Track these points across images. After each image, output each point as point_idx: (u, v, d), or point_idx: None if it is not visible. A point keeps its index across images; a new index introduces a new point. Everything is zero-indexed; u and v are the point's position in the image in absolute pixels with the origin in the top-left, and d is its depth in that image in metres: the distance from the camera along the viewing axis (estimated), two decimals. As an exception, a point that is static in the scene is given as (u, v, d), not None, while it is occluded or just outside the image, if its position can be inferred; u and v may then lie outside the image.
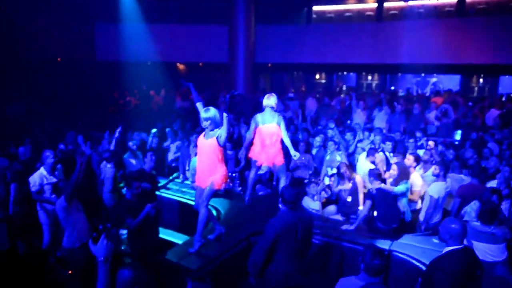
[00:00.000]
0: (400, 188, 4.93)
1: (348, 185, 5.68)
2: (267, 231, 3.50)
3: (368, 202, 4.97)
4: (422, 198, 5.44)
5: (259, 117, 5.13)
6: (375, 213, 5.09)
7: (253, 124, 5.18)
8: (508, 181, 5.14)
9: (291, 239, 3.48)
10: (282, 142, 5.23)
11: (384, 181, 5.23)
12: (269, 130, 5.08)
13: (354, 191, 5.65)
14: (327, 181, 6.56)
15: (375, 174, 5.07)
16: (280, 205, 3.62)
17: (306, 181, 6.48)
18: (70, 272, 3.87)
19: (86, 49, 14.91)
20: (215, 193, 4.37)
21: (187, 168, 7.54)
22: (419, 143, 7.34)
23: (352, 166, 6.56)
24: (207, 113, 4.13)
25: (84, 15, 13.82)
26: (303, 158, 7.27)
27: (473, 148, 6.97)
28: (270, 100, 5.10)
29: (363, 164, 6.40)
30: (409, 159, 5.80)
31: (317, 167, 7.22)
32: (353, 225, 4.99)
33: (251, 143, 5.33)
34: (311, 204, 5.85)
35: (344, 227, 5.04)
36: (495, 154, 6.67)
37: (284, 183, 5.23)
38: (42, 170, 5.21)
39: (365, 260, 2.85)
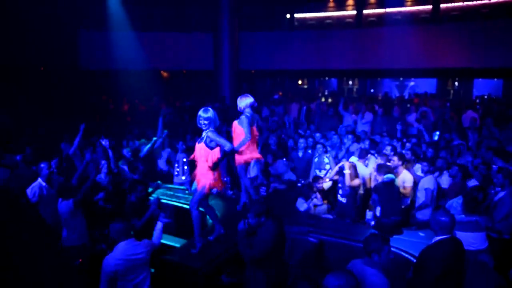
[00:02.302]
0: (388, 176, 5.17)
1: (357, 181, 5.88)
2: (264, 243, 3.72)
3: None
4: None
5: (250, 118, 5.02)
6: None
7: (248, 126, 4.96)
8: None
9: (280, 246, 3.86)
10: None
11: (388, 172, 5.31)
12: (254, 131, 5.11)
13: (349, 194, 5.86)
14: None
15: (383, 170, 5.18)
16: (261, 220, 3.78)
17: (299, 184, 6.67)
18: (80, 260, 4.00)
19: (69, 57, 14.83)
20: (206, 196, 4.45)
21: (175, 173, 7.71)
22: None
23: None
24: (206, 113, 4.21)
25: (67, 23, 13.78)
26: (284, 159, 7.52)
27: (446, 148, 7.36)
28: (250, 99, 5.03)
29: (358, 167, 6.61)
30: (394, 160, 6.04)
31: (302, 168, 7.49)
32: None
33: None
34: (302, 206, 6.02)
35: None
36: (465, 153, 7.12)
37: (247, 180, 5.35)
38: (40, 181, 5.29)
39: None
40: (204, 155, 4.26)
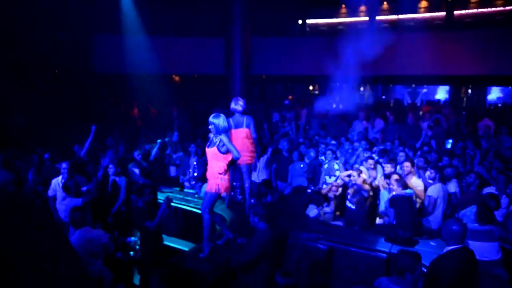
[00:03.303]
0: (408, 191, 5.14)
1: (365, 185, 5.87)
2: (250, 249, 3.72)
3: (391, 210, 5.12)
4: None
5: (231, 121, 5.21)
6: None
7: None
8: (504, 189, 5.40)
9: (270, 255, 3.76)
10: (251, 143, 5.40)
11: (406, 187, 5.31)
12: (240, 133, 5.26)
13: (358, 201, 5.81)
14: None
15: (397, 181, 5.10)
16: (254, 219, 3.84)
17: (309, 190, 6.63)
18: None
19: (83, 60, 15.04)
20: (216, 199, 4.43)
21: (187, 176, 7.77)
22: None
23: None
24: (215, 118, 4.25)
25: (82, 27, 13.99)
26: (301, 165, 7.53)
27: (459, 157, 7.27)
28: (237, 105, 5.25)
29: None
30: (408, 166, 5.92)
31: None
32: None
33: None
34: (312, 212, 5.96)
35: None
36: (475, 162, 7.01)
37: (248, 183, 5.47)
38: (60, 178, 5.46)
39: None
40: (216, 159, 4.29)
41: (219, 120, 4.25)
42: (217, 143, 4.25)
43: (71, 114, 12.21)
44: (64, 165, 5.49)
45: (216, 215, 4.73)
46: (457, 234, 3.27)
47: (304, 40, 17.09)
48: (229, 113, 5.28)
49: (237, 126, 5.24)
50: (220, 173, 4.25)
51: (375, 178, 6.42)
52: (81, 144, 7.05)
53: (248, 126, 5.25)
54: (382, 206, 5.78)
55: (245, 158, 5.29)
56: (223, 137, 4.19)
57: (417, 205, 5.47)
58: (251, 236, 3.86)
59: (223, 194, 4.49)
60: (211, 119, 4.28)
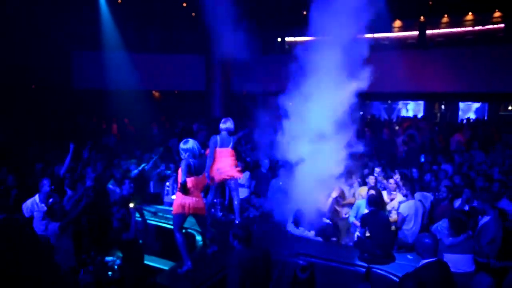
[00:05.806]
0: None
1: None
2: (231, 275, 3.52)
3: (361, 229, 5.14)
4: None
5: (218, 139, 5.42)
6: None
7: (212, 146, 5.42)
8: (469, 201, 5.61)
9: (253, 277, 3.55)
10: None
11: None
12: (224, 152, 5.41)
13: (333, 215, 5.90)
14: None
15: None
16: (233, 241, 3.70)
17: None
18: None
19: (62, 76, 14.89)
20: (181, 219, 4.50)
21: (165, 192, 7.71)
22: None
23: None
24: (185, 144, 4.40)
25: (60, 42, 13.89)
26: (280, 183, 7.59)
27: (431, 171, 7.50)
28: (226, 124, 5.44)
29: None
30: (392, 183, 5.98)
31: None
32: None
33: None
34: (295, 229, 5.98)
35: None
36: (449, 175, 7.24)
37: (237, 200, 5.55)
38: (36, 198, 5.29)
39: None
40: (179, 180, 4.39)
41: (190, 145, 4.39)
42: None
43: (48, 130, 12.01)
44: (45, 181, 5.31)
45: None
46: (430, 247, 3.40)
47: (284, 57, 17.38)
48: (209, 129, 5.41)
49: (223, 145, 5.38)
50: (182, 193, 4.31)
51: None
52: (59, 164, 6.90)
53: (232, 148, 5.39)
54: (352, 216, 5.80)
55: (231, 173, 5.40)
56: (183, 162, 4.30)
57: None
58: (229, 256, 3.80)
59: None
60: (182, 146, 4.40)
